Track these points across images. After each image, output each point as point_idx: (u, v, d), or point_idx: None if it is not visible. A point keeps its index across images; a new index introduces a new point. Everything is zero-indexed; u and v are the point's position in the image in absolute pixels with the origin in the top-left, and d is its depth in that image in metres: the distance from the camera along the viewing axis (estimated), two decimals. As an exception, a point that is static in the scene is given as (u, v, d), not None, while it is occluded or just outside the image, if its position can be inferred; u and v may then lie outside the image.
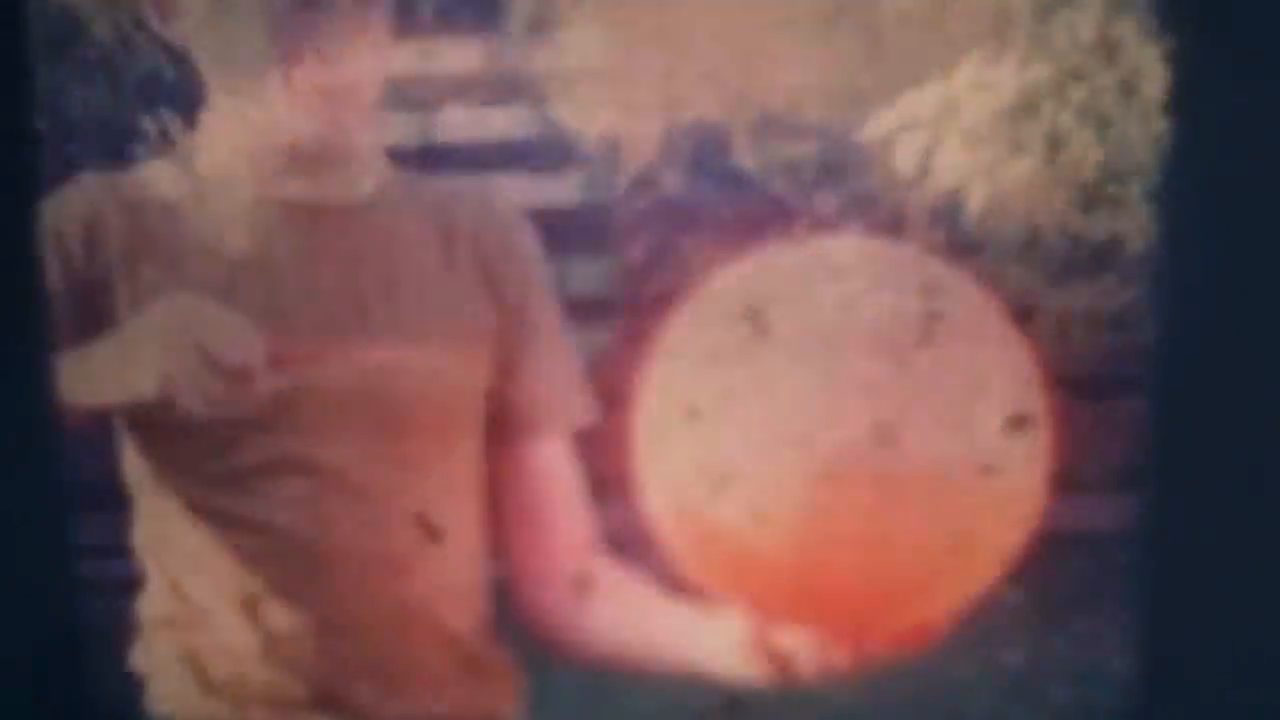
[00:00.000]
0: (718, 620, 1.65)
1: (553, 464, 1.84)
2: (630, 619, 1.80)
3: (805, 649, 1.60)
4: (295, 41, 1.72)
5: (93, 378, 1.59)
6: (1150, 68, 3.26)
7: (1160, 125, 3.27)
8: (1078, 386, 5.99)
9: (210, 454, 1.74)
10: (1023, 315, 6.45)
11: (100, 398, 1.60)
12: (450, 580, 1.82)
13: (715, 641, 1.66)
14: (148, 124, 4.71)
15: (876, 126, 3.50)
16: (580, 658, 1.88)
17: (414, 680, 1.79)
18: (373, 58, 1.77)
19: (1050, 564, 6.07)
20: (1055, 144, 3.44)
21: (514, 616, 1.87)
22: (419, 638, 1.80)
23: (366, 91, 1.77)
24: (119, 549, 1.83)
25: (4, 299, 1.08)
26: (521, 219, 1.85)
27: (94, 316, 1.72)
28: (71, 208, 1.72)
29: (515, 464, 1.83)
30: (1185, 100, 1.11)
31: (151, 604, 1.81)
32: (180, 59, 1.81)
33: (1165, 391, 1.16)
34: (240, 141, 1.78)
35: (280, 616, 1.75)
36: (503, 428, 1.81)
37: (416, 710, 1.80)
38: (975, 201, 3.44)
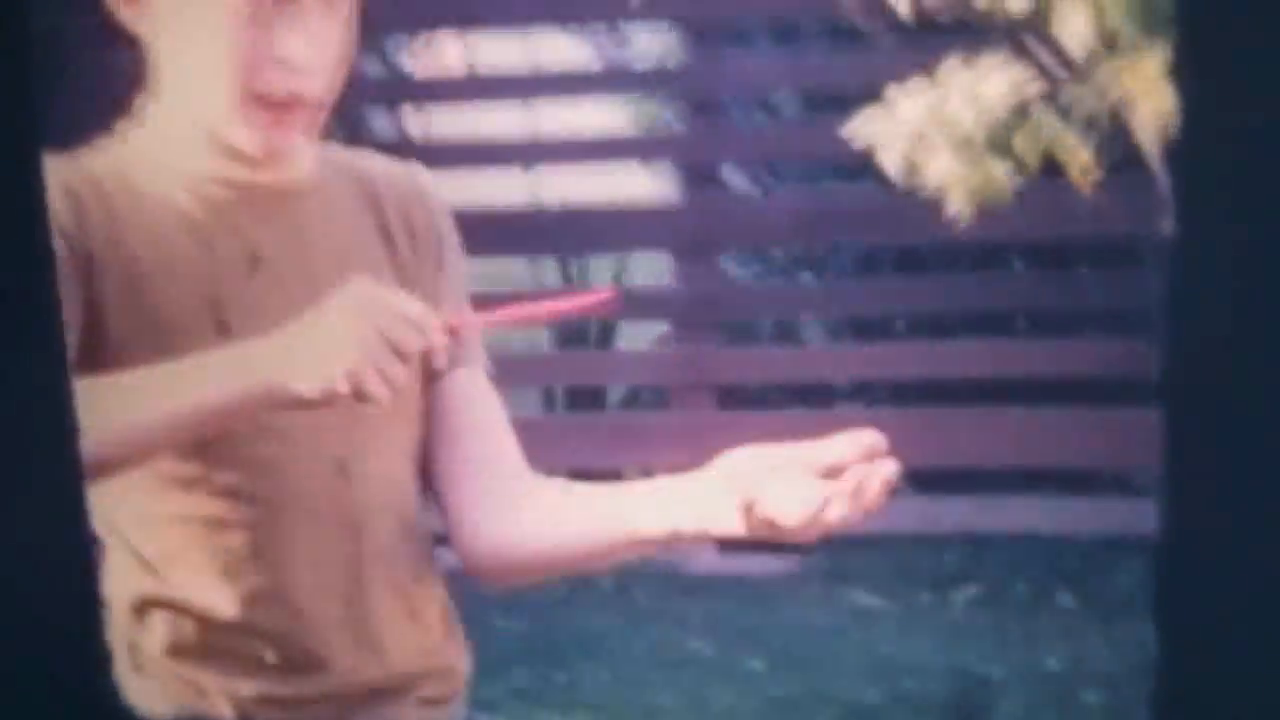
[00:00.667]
0: (695, 484, 1.75)
1: (473, 390, 1.92)
2: (571, 512, 1.87)
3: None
4: (256, 47, 1.77)
5: (267, 371, 1.68)
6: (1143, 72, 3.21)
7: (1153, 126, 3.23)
8: (1126, 391, 5.96)
9: None
10: (1030, 317, 6.38)
11: (285, 393, 1.67)
12: (398, 534, 1.87)
13: (697, 505, 1.75)
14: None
15: (861, 124, 3.45)
16: (524, 577, 2.01)
17: (377, 637, 1.85)
18: (335, 70, 1.82)
19: (1101, 568, 6.03)
20: (1046, 149, 3.39)
21: (455, 551, 1.91)
22: (375, 593, 1.85)
23: (323, 102, 1.82)
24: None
25: (17, 293, 1.06)
26: (431, 184, 1.97)
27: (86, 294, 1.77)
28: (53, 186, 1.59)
29: (440, 395, 1.91)
30: (1197, 96, 1.06)
31: (121, 582, 1.83)
32: (128, 45, 1.83)
33: (1180, 394, 1.11)
34: (184, 133, 1.83)
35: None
36: (425, 364, 1.85)
37: (380, 666, 1.85)
38: (960, 203, 3.40)
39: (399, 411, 1.83)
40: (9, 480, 1.10)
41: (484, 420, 1.93)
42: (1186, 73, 1.07)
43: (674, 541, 1.78)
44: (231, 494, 1.80)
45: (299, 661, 1.82)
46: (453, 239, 1.97)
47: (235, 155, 1.82)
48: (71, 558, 1.13)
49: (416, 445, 1.90)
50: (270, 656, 1.81)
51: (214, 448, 1.77)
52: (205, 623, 1.80)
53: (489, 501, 1.90)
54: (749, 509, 1.71)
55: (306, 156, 1.87)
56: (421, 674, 1.89)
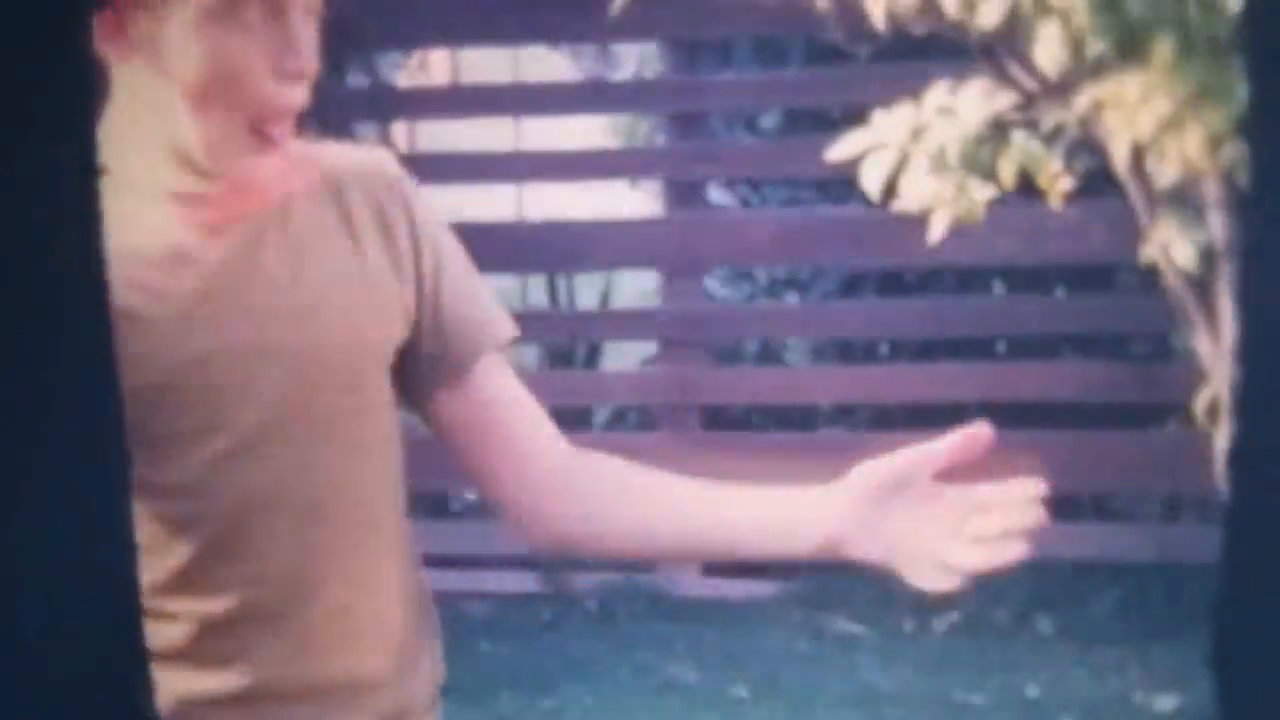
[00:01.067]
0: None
1: (497, 377, 1.89)
2: (659, 505, 1.88)
3: None
4: (253, 65, 1.74)
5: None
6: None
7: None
8: (1107, 415, 5.94)
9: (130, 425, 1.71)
10: (1012, 341, 6.36)
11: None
12: (371, 532, 1.85)
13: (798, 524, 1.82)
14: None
15: (844, 146, 3.45)
16: (586, 549, 2.09)
17: (323, 643, 1.82)
18: (300, 93, 1.77)
19: (1080, 594, 6.00)
20: (1022, 167, 3.39)
21: (519, 535, 1.95)
22: (341, 592, 1.82)
23: (288, 127, 1.78)
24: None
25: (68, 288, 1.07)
26: (400, 169, 1.90)
27: None
28: None
29: (465, 391, 1.87)
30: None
31: None
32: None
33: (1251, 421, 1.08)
34: (143, 147, 1.78)
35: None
36: (442, 362, 1.86)
37: (360, 669, 1.83)
38: (940, 224, 3.41)
39: (370, 415, 1.83)
40: (55, 482, 1.10)
41: (518, 403, 1.90)
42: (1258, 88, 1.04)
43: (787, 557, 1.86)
44: (190, 501, 1.78)
45: (231, 659, 1.79)
46: (430, 222, 1.89)
47: (203, 173, 1.78)
48: (113, 563, 1.14)
49: (394, 462, 1.87)
50: (211, 654, 1.78)
51: (168, 447, 1.75)
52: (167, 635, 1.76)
53: (546, 482, 1.89)
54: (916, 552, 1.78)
55: (272, 169, 1.81)
56: (367, 686, 1.84)
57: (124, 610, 1.12)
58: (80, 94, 1.07)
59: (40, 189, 1.06)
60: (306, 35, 1.74)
